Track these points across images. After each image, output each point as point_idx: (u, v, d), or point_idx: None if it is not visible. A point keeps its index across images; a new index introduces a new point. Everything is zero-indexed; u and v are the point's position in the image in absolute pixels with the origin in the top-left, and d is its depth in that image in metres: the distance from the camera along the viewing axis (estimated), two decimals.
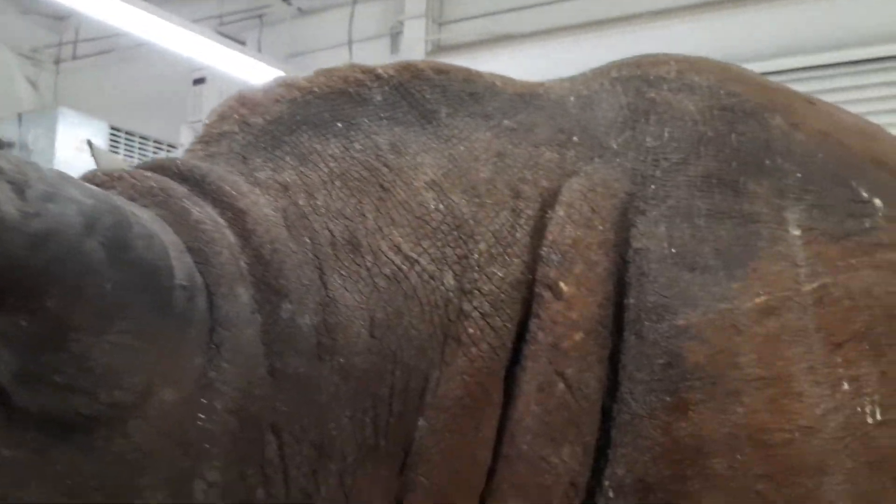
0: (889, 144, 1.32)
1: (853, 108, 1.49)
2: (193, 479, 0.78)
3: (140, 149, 7.85)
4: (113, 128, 7.49)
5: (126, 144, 7.65)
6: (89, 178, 0.96)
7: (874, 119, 1.48)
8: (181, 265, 0.78)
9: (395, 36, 7.32)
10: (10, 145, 7.04)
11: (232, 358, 0.80)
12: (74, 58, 9.07)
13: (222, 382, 0.79)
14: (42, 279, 0.66)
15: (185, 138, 8.59)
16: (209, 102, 8.74)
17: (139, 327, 0.73)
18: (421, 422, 0.94)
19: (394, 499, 0.94)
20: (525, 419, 0.97)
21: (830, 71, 5.22)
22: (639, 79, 1.33)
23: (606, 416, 1.01)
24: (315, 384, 0.87)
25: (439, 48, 6.95)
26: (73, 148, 7.08)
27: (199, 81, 8.10)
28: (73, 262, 0.68)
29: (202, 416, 0.78)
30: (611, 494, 0.97)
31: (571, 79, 1.39)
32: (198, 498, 0.78)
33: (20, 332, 0.68)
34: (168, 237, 0.80)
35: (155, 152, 7.87)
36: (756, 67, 1.51)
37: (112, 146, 7.51)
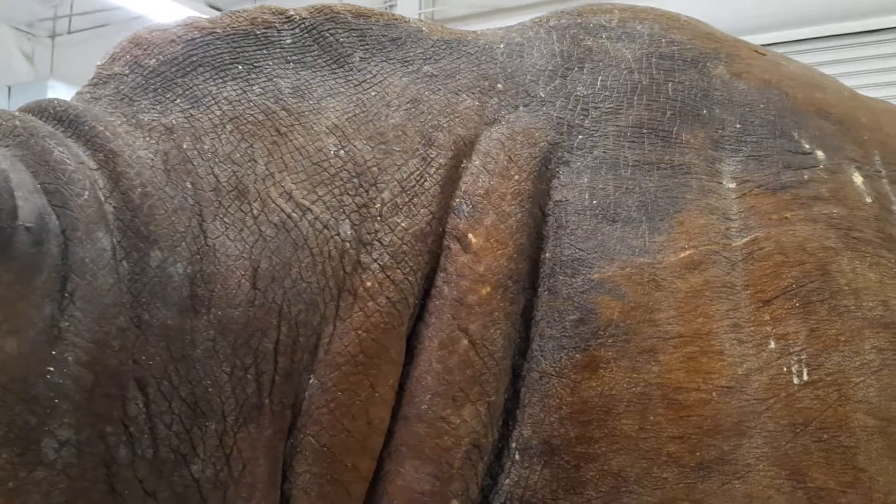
0: (837, 94, 1.25)
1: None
2: (42, 438, 0.72)
3: None
4: None
5: None
6: None
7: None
8: (29, 206, 0.73)
9: (388, 9, 7.19)
10: None
11: (86, 307, 0.74)
12: (70, 31, 8.99)
13: (75, 334, 0.74)
14: None
15: None
16: None
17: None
18: (312, 380, 0.89)
19: (282, 462, 0.89)
20: (425, 378, 0.91)
21: (828, 43, 5.12)
22: (577, 26, 1.26)
23: (517, 375, 0.96)
24: (188, 337, 0.81)
25: (433, 21, 6.82)
26: None
27: None
28: None
29: (51, 370, 0.72)
30: (517, 457, 0.91)
31: (508, 27, 1.32)
32: (49, 457, 0.73)
33: None
34: (19, 176, 0.74)
35: None
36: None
37: None
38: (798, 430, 0.91)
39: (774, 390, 0.93)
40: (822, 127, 1.16)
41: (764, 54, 1.32)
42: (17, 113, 0.85)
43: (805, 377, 0.94)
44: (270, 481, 0.86)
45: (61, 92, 7.05)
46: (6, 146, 0.80)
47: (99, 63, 1.01)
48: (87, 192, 0.78)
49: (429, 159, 1.00)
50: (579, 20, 1.29)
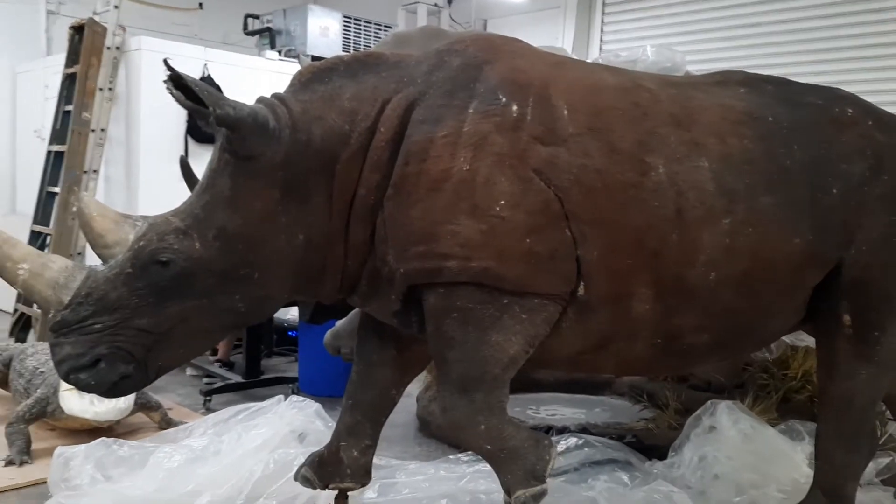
0: (531, 72, 3.46)
1: None
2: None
3: (365, 31, 10.65)
4: (345, 16, 10.34)
5: (355, 28, 10.50)
6: (259, 99, 3.53)
7: None
8: (273, 122, 3.34)
9: None
10: (278, 33, 10.15)
11: (282, 142, 3.33)
12: None
13: (281, 149, 3.35)
14: (240, 124, 3.24)
15: (400, 19, 11.27)
16: None
17: (261, 134, 3.29)
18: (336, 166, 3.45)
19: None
20: (367, 170, 3.44)
21: None
22: (446, 51, 3.61)
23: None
24: (306, 156, 3.40)
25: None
26: (318, 34, 10.00)
27: None
28: (246, 123, 3.25)
29: (287, 161, 3.35)
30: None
31: (427, 51, 3.69)
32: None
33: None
34: (271, 115, 3.35)
35: (376, 33, 10.59)
36: None
37: (345, 29, 10.38)
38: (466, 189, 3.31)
39: (457, 174, 3.31)
40: (511, 89, 3.35)
41: (521, 58, 3.57)
42: (269, 97, 3.47)
43: (467, 166, 3.30)
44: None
45: (317, 12, 10.05)
46: (268, 107, 3.41)
47: (290, 82, 3.60)
48: (283, 119, 3.35)
49: (375, 105, 3.45)
50: (449, 47, 3.63)
